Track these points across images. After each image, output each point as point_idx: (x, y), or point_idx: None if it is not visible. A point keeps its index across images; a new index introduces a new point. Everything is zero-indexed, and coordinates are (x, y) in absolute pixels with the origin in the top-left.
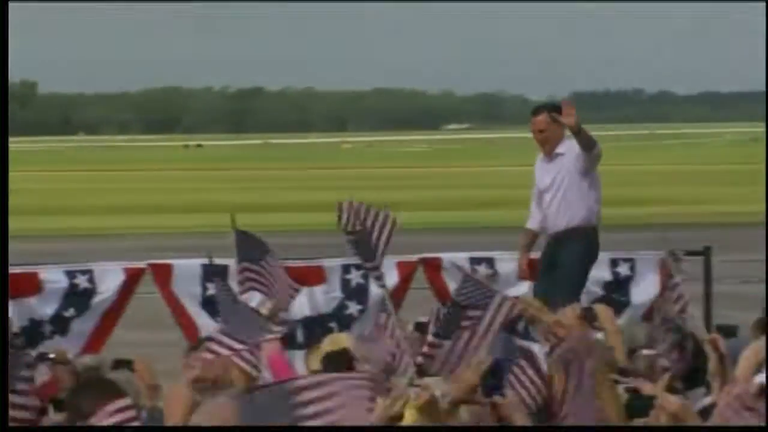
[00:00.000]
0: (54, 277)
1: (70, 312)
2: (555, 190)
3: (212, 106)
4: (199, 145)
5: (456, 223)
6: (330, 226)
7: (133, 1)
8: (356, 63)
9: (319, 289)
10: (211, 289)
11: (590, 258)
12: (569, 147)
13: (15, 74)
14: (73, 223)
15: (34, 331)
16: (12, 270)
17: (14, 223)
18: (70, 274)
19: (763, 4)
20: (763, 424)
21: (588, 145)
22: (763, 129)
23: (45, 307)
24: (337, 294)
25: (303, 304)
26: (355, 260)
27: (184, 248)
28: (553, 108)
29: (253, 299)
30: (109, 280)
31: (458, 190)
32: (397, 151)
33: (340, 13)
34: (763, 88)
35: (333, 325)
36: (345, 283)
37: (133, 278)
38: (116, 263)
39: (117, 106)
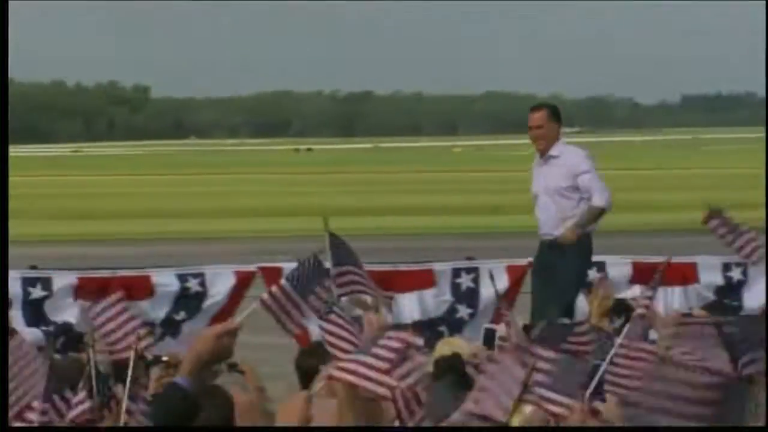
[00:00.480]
0: (166, 281)
1: (181, 315)
2: (548, 195)
3: (322, 109)
4: (309, 149)
5: None
6: (442, 230)
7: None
8: (466, 66)
9: (429, 293)
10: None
11: (585, 266)
12: (564, 152)
13: (128, 79)
14: (184, 226)
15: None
16: (125, 273)
17: (125, 227)
18: (182, 278)
19: None
20: (762, 424)
21: (596, 218)
22: None
23: (157, 310)
24: (448, 297)
25: (413, 308)
26: (465, 264)
27: (294, 251)
28: (554, 108)
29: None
30: (220, 283)
31: None
32: (508, 154)
33: (450, 17)
34: None
35: (443, 328)
36: (455, 287)
37: (243, 281)
38: (227, 266)
39: (228, 110)
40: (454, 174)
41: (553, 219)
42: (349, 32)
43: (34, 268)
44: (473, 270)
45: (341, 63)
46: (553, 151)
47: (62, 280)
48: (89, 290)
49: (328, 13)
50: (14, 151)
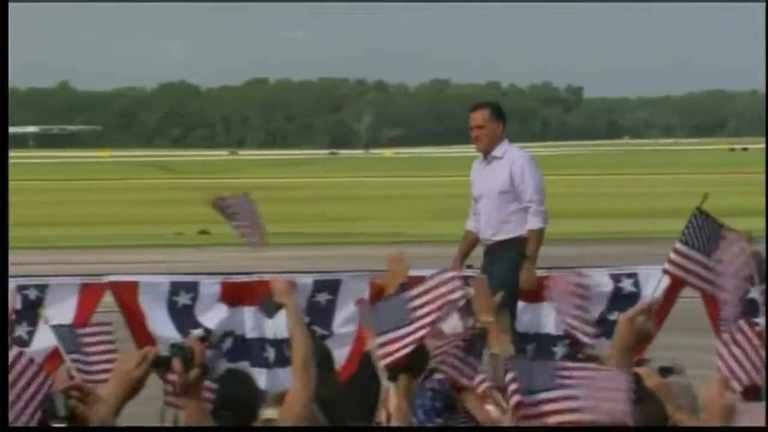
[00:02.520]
0: (600, 281)
1: (614, 315)
2: (490, 198)
3: (755, 108)
4: (744, 149)
5: None
6: None
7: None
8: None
9: None
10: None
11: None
12: (508, 154)
13: (561, 80)
14: (617, 226)
15: None
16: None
17: (561, 228)
18: (615, 278)
19: None
20: (762, 424)
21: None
22: None
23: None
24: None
25: None
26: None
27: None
28: (496, 106)
29: None
30: (653, 282)
31: None
32: None
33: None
34: None
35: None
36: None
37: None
38: (656, 267)
39: (660, 110)
40: None
41: (494, 222)
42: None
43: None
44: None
45: None
46: (496, 152)
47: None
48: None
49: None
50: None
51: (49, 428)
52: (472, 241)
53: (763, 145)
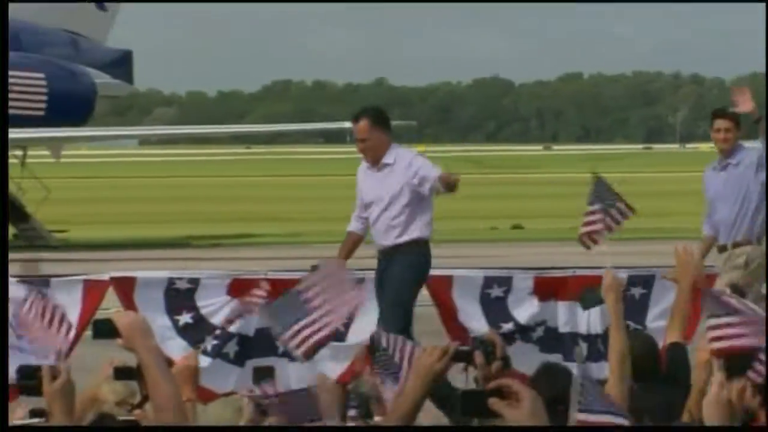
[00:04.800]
0: None
1: None
2: (383, 205)
3: None
4: None
5: None
6: None
7: None
8: None
9: None
10: None
11: (421, 273)
12: (399, 158)
13: None
14: None
15: None
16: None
17: None
18: None
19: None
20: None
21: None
22: None
23: None
24: None
25: None
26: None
27: None
28: (375, 113)
29: None
30: None
31: None
32: None
33: None
34: None
35: None
36: None
37: None
38: None
39: None
40: None
41: (389, 228)
42: None
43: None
44: None
45: None
46: (386, 159)
47: None
48: None
49: None
50: None
51: (50, 428)
52: (354, 242)
53: None
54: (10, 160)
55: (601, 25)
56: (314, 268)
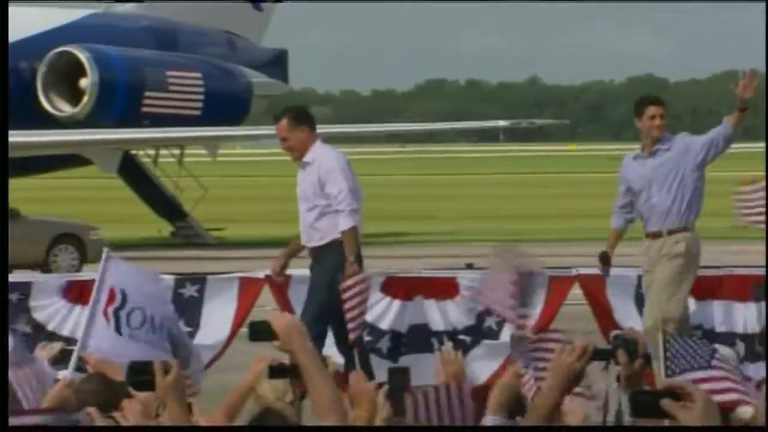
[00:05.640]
0: None
1: None
2: (305, 203)
3: None
4: None
5: None
6: None
7: None
8: None
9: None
10: None
11: (338, 271)
12: (318, 157)
13: None
14: None
15: None
16: None
17: None
18: None
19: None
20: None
21: None
22: None
23: None
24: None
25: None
26: None
27: None
28: (296, 111)
29: None
30: None
31: None
32: None
33: None
34: None
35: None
36: None
37: None
38: None
39: None
40: None
41: (309, 228)
42: None
43: None
44: None
45: None
46: (307, 157)
47: None
48: None
49: None
50: None
51: (51, 428)
52: (298, 243)
53: None
54: (168, 159)
55: (755, 22)
56: (469, 266)
